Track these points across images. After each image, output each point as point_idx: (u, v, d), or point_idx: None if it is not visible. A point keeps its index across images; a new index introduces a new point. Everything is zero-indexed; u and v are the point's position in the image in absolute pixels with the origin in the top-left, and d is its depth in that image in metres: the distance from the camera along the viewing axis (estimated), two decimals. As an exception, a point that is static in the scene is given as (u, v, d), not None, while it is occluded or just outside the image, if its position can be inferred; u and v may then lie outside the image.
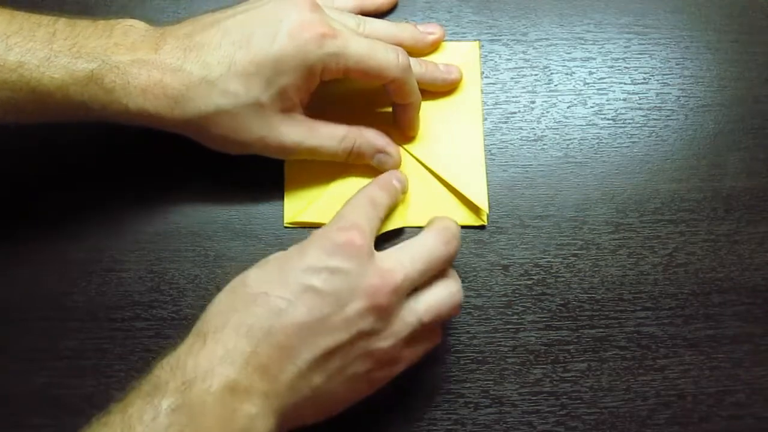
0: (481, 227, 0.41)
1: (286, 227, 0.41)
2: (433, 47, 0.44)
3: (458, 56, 0.44)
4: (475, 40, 0.45)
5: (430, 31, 0.43)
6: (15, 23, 0.34)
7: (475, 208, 0.42)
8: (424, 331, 0.35)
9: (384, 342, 0.33)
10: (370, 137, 0.40)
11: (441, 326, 0.37)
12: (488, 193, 0.42)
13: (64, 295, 0.40)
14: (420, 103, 0.41)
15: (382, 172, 0.40)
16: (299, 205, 0.41)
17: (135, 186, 0.41)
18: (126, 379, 0.39)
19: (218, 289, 0.39)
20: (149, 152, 0.42)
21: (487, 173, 0.42)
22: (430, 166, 0.42)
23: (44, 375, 0.39)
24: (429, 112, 0.43)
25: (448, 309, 0.35)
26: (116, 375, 0.39)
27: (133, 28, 0.36)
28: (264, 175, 0.41)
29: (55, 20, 0.35)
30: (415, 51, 0.42)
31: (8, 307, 0.39)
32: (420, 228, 0.38)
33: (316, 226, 0.40)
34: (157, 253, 0.40)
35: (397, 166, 0.41)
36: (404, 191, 0.40)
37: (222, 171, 0.41)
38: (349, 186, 0.41)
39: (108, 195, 0.41)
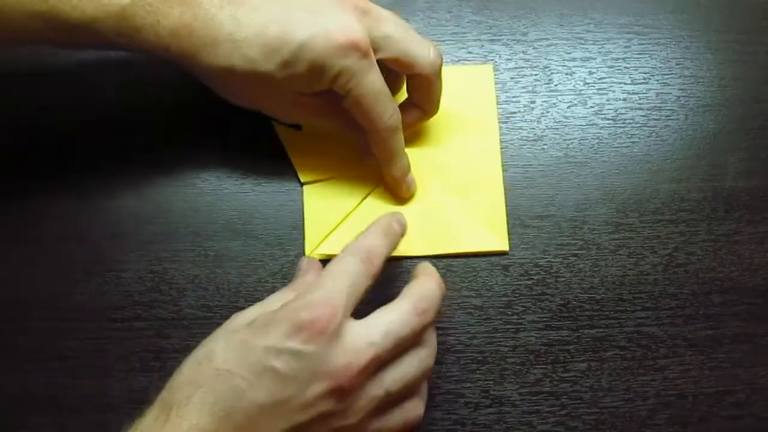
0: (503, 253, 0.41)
1: (286, 228, 0.41)
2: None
3: (470, 80, 0.43)
4: (488, 63, 0.44)
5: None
6: None
7: (495, 235, 0.41)
8: (393, 401, 0.33)
9: (348, 420, 0.32)
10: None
11: (422, 397, 0.35)
12: (507, 219, 0.41)
13: (64, 295, 0.40)
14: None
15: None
16: (319, 236, 0.41)
17: (135, 186, 0.41)
18: (126, 379, 0.39)
19: (218, 289, 0.40)
20: (149, 152, 0.42)
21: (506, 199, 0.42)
22: (447, 195, 0.42)
23: (44, 375, 0.39)
24: (444, 138, 0.42)
25: (418, 377, 0.33)
26: (116, 375, 0.39)
27: None
28: (265, 174, 0.41)
29: None
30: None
31: (8, 307, 0.39)
32: (433, 257, 0.40)
33: None
34: (157, 253, 0.40)
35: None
36: (403, 233, 0.37)
37: (222, 171, 0.42)
38: (369, 213, 0.41)
39: (108, 195, 0.41)
